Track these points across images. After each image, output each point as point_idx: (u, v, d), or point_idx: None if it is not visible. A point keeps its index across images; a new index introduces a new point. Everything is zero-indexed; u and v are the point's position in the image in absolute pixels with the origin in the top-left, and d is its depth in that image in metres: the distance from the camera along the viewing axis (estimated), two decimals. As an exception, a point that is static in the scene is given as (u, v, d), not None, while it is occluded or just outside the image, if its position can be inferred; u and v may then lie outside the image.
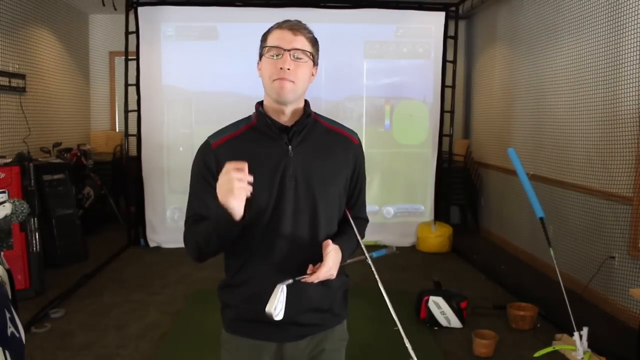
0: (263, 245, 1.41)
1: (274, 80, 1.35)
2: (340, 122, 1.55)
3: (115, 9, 5.89)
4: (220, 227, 1.29)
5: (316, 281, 1.36)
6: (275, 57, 1.35)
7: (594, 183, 4.06)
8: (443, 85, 6.07)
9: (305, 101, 1.47)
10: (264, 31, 1.43)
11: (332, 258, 1.36)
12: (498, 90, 6.17)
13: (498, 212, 6.15)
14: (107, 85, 7.27)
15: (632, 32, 3.62)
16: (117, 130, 7.25)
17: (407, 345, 1.40)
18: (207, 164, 1.40)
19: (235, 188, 1.21)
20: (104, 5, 5.70)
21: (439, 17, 6.03)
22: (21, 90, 5.29)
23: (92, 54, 7.19)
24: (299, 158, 1.40)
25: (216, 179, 1.29)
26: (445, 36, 6.06)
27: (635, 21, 3.59)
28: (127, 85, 5.89)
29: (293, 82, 1.35)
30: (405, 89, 6.07)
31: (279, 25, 1.39)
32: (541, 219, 2.97)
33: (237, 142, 1.42)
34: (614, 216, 3.84)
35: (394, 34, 5.99)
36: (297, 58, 1.36)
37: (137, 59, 5.71)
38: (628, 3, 3.68)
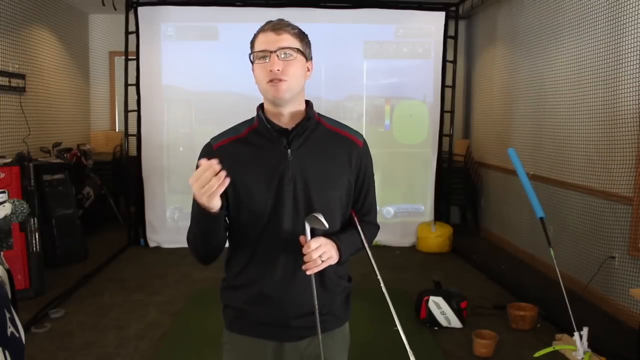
0: (262, 248, 1.42)
1: (267, 82, 1.36)
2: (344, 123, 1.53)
3: (115, 9, 5.88)
4: (199, 221, 1.34)
5: (311, 264, 1.32)
6: (264, 61, 1.36)
7: (594, 183, 4.06)
8: (443, 85, 6.07)
9: (308, 102, 1.47)
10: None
11: (313, 241, 1.34)
12: (498, 90, 6.16)
13: (498, 212, 6.15)
14: (107, 85, 7.27)
15: (632, 32, 3.62)
16: (117, 130, 7.25)
17: (407, 348, 1.38)
18: None
19: (207, 188, 1.21)
20: (104, 5, 5.69)
21: (439, 17, 6.03)
22: (21, 90, 5.29)
23: (92, 54, 7.18)
24: (297, 162, 1.40)
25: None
26: (445, 36, 6.06)
27: (635, 21, 3.59)
28: (127, 85, 5.89)
29: (286, 80, 1.35)
30: (405, 88, 6.06)
31: (262, 29, 1.39)
32: (541, 219, 2.96)
33: (238, 144, 1.43)
34: (614, 216, 3.84)
35: (394, 34, 5.99)
36: (286, 56, 1.36)
37: (137, 59, 5.71)
38: (628, 3, 3.68)
